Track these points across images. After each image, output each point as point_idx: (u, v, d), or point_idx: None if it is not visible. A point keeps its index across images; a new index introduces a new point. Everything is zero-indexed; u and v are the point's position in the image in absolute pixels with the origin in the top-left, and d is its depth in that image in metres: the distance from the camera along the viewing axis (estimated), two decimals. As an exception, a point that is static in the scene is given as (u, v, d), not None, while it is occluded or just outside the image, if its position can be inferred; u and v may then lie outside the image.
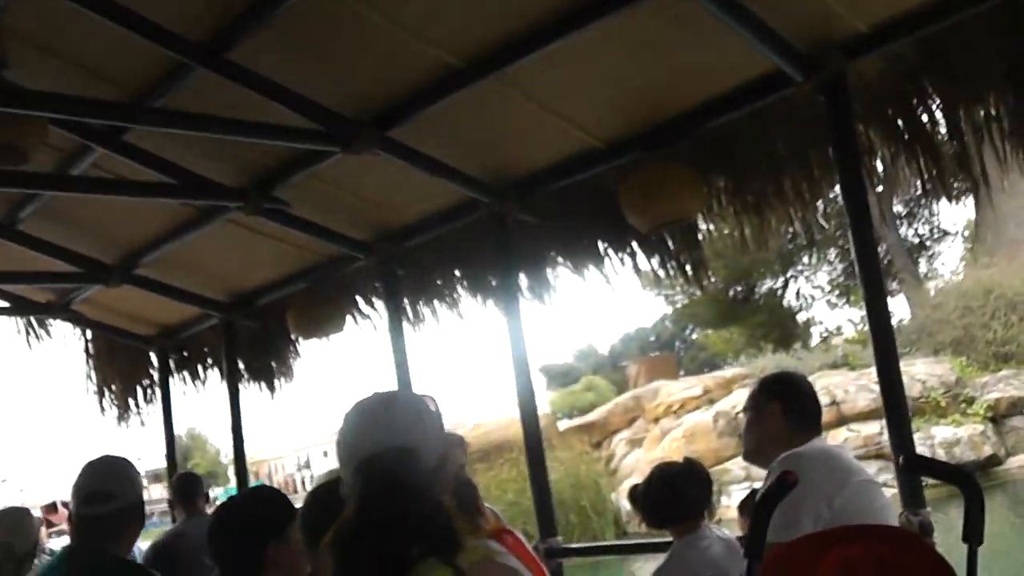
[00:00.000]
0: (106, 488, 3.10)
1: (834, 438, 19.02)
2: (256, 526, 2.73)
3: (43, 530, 6.70)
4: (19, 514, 4.41)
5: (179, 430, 8.01)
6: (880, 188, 5.01)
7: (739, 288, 34.72)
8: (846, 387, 20.54)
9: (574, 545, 10.32)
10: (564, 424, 28.47)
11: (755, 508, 2.72)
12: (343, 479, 1.91)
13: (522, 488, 16.71)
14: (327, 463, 70.57)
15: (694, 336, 52.98)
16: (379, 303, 6.22)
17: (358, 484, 1.82)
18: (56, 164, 5.06)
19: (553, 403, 34.35)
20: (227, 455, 68.93)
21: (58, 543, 6.48)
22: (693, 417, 23.59)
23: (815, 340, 35.09)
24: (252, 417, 8.00)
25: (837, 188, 4.09)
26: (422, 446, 1.86)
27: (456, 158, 4.79)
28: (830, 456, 3.09)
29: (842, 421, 19.85)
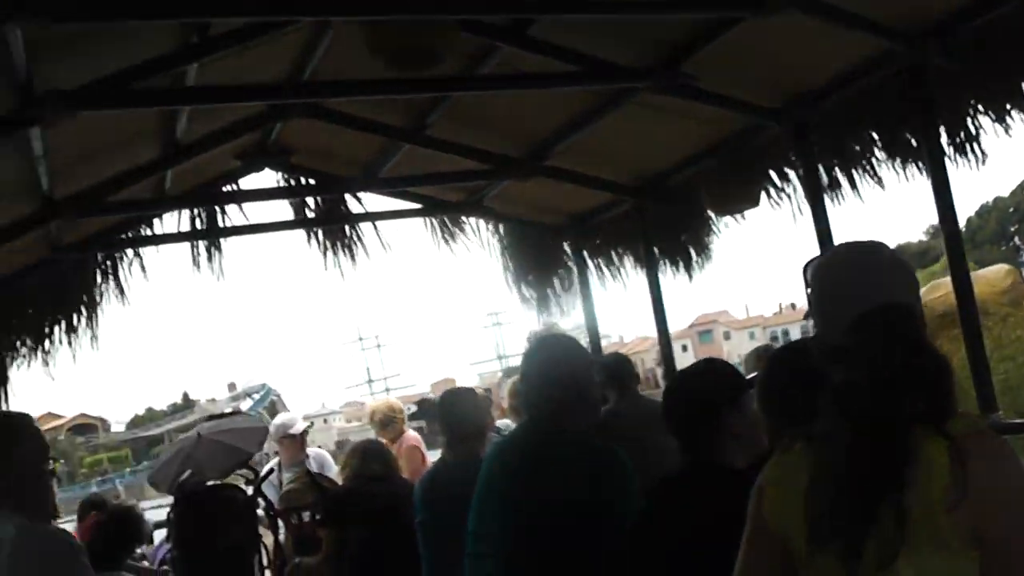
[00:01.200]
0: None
1: None
2: (710, 394, 2.96)
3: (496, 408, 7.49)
4: (463, 394, 4.95)
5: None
6: None
7: None
8: None
9: (1017, 421, 9.93)
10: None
11: None
12: (823, 339, 1.95)
13: (1012, 354, 15.23)
14: (686, 358, 70.13)
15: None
16: (791, 174, 6.38)
17: (856, 341, 1.83)
18: (461, 69, 5.69)
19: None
20: (581, 347, 71.67)
21: (505, 423, 7.25)
22: None
23: None
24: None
25: None
26: (911, 300, 1.92)
27: (869, 7, 4.79)
28: None
29: None
